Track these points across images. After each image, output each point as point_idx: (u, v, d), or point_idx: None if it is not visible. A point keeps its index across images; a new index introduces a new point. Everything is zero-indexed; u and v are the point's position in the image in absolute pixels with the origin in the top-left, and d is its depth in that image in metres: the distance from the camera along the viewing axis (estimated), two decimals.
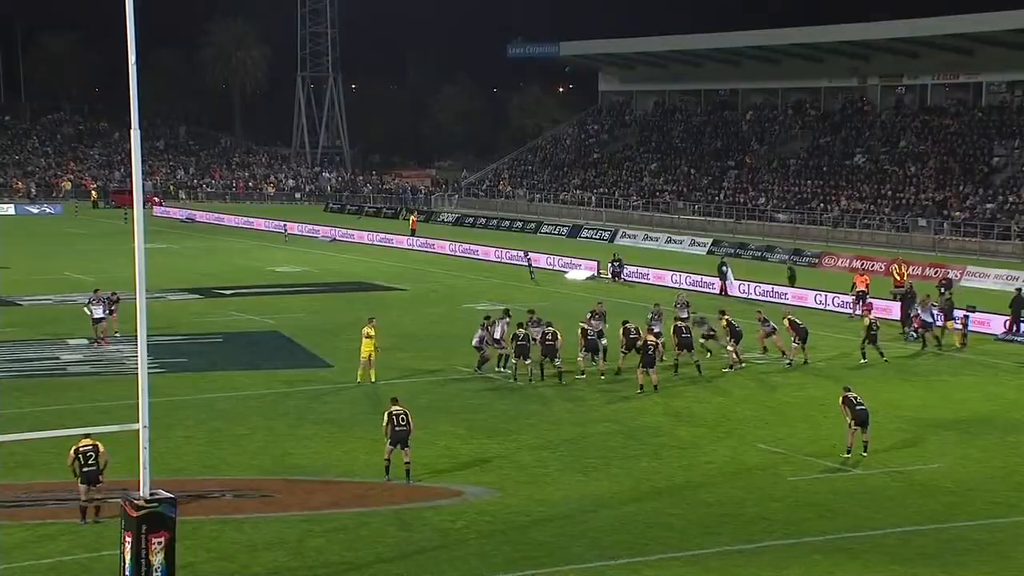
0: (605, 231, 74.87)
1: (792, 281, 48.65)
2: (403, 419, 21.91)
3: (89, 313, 34.50)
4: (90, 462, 19.42)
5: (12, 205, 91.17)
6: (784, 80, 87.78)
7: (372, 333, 30.13)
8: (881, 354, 34.12)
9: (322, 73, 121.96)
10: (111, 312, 35.64)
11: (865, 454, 24.11)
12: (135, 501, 15.56)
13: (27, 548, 18.27)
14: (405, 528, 19.59)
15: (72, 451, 19.53)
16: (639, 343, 30.73)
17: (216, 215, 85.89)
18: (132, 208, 16.56)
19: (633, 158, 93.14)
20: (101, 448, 19.52)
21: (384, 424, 22.09)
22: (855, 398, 24.31)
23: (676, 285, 50.85)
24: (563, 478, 22.64)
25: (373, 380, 30.03)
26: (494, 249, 62.29)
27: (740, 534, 19.61)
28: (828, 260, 60.79)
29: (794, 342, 33.91)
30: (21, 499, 20.59)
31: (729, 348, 32.96)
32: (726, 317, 33.73)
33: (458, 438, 25.32)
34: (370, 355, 30.04)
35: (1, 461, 21.92)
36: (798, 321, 34.39)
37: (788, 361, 33.65)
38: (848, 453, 24.09)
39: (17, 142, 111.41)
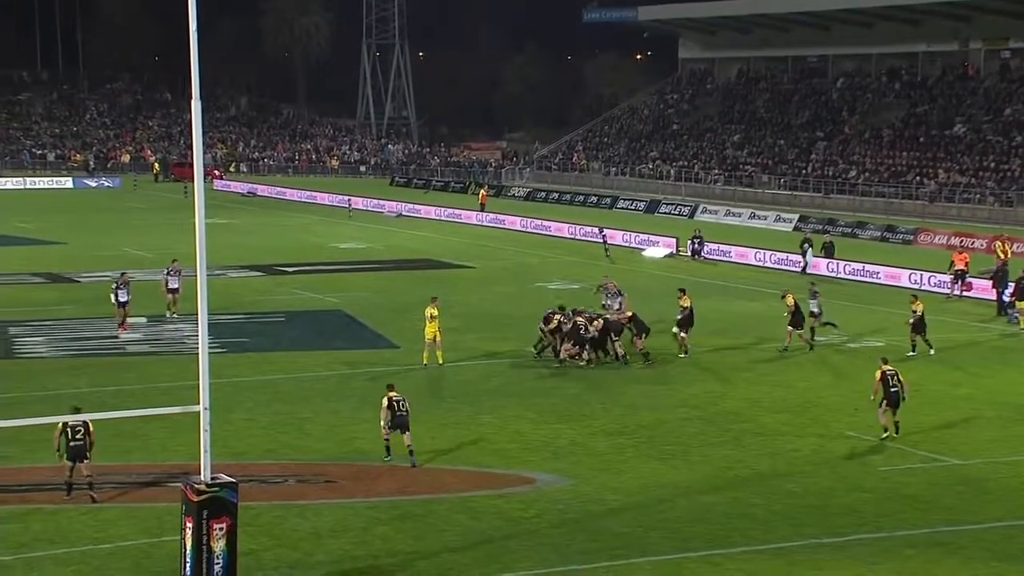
0: (685, 206, 74.44)
1: (828, 253, 48.47)
2: (402, 405, 22.13)
3: (114, 298, 34.30)
4: (77, 437, 19.63)
5: (70, 178, 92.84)
6: (878, 45, 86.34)
7: (435, 313, 30.24)
8: (929, 345, 32.34)
9: (388, 40, 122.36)
10: (174, 290, 36.08)
11: (897, 435, 24.03)
12: (196, 485, 15.78)
13: (86, 533, 18.64)
14: (474, 516, 19.67)
15: (60, 424, 19.69)
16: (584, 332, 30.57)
17: (278, 189, 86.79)
18: (192, 181, 16.75)
19: (715, 129, 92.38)
20: (91, 426, 19.80)
21: (383, 409, 22.19)
22: (892, 376, 23.98)
23: (760, 263, 50.49)
24: (639, 465, 22.60)
25: (440, 363, 30.18)
26: (567, 225, 62.21)
27: (827, 526, 19.44)
28: (924, 237, 59.92)
29: (789, 325, 32.45)
30: (80, 482, 20.97)
31: (681, 334, 31.57)
32: (686, 297, 32.23)
33: (529, 423, 25.37)
34: (435, 336, 30.19)
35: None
36: (795, 303, 32.50)
37: (783, 347, 32.58)
38: (886, 433, 24.03)
39: (75, 113, 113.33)
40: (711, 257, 52.44)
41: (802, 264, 48.16)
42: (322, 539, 18.56)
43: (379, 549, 18.25)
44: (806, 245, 48.84)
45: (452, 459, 22.81)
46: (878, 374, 24.17)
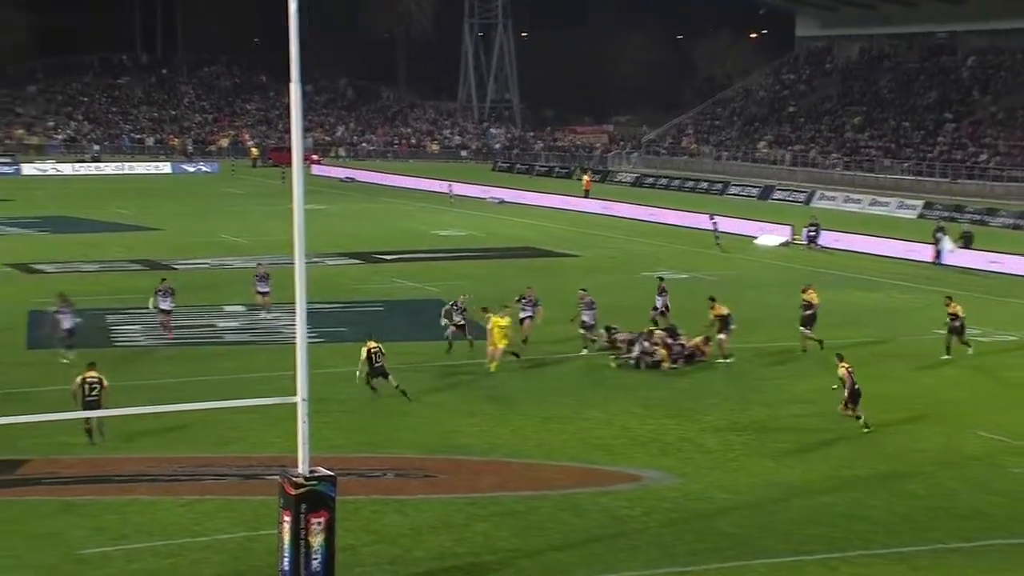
0: (800, 192, 73.60)
1: (966, 244, 47.77)
2: (379, 356, 26.14)
3: (154, 306, 33.01)
4: (93, 393, 22.14)
5: (169, 163, 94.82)
6: (1014, 19, 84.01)
7: (503, 324, 28.97)
8: (967, 345, 31.09)
9: (491, 20, 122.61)
10: (264, 294, 35.90)
11: (868, 429, 24.10)
12: (294, 479, 15.99)
13: (184, 525, 19.01)
14: (578, 514, 19.67)
15: (79, 379, 22.24)
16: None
17: (377, 174, 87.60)
18: (290, 167, 16.96)
19: (834, 111, 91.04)
20: (105, 383, 22.30)
21: (362, 359, 26.15)
22: (852, 372, 24.45)
23: (881, 253, 49.65)
24: (751, 463, 22.41)
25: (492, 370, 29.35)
26: (677, 212, 61.83)
27: (954, 531, 19.10)
28: None
29: (800, 325, 31.28)
30: (178, 474, 21.46)
31: (720, 337, 30.51)
32: (719, 306, 30.96)
33: (635, 417, 25.29)
34: (499, 347, 29.05)
35: (157, 434, 22.92)
36: (813, 302, 31.49)
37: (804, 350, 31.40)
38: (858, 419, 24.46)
39: (174, 97, 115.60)
40: (828, 246, 51.69)
41: (934, 254, 47.26)
42: (422, 535, 18.70)
43: (480, 546, 18.35)
44: (939, 234, 47.86)
45: (556, 454, 22.84)
46: (843, 371, 24.45)
